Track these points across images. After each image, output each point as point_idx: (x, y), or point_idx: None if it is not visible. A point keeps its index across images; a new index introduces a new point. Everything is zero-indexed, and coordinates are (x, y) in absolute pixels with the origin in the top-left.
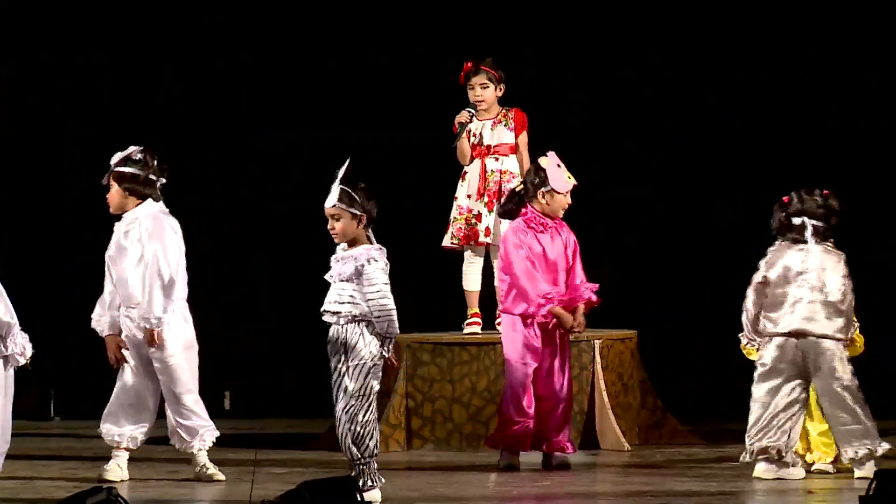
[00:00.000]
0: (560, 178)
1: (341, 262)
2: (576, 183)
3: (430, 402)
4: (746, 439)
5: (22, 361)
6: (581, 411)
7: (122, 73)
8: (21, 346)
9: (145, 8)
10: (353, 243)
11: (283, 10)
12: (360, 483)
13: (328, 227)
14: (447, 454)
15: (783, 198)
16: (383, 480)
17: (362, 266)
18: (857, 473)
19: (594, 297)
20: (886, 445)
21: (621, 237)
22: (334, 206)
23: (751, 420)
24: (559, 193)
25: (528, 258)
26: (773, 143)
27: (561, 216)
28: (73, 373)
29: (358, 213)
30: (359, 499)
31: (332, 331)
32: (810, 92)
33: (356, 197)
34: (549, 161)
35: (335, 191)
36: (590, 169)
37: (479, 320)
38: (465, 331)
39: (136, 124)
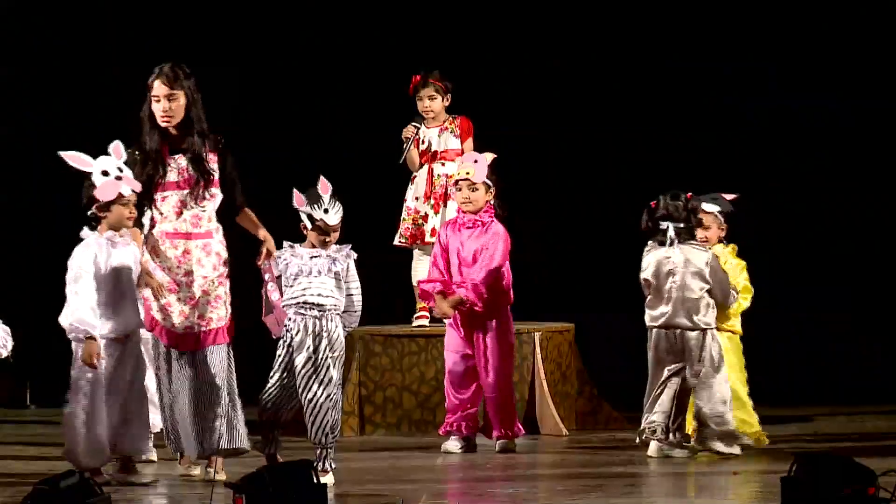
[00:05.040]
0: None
1: (313, 259)
2: (463, 177)
3: (382, 390)
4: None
5: (4, 353)
6: (522, 399)
7: (122, 73)
8: (2, 338)
9: (143, 8)
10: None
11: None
12: (320, 466)
13: (329, 238)
14: (397, 438)
15: (651, 202)
16: (336, 466)
17: (347, 263)
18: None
19: (468, 296)
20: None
21: (562, 234)
22: (340, 221)
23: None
24: (454, 188)
25: (434, 251)
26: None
27: (469, 209)
28: (49, 362)
29: None
30: (315, 480)
31: (309, 322)
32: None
33: None
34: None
35: (339, 208)
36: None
37: (426, 314)
38: (414, 324)
39: (136, 124)
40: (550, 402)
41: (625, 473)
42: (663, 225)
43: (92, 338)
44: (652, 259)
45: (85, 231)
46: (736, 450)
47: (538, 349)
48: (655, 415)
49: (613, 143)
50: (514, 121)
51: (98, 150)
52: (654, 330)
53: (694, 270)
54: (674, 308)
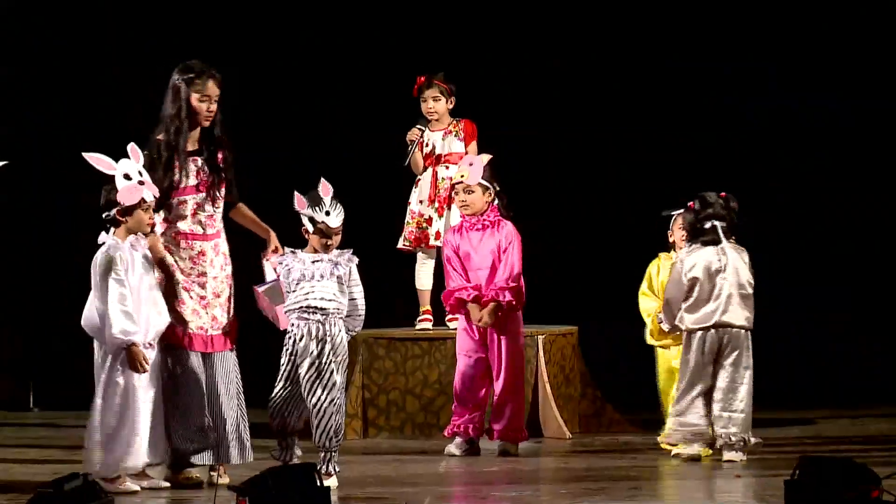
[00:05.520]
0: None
1: (315, 263)
2: (458, 180)
3: (385, 393)
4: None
5: None
6: (526, 401)
7: (122, 73)
8: None
9: (143, 8)
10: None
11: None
12: (324, 469)
13: (331, 241)
14: (401, 442)
15: (689, 203)
16: (339, 469)
17: (349, 268)
18: (726, 456)
19: (502, 298)
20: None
21: (562, 234)
22: (342, 223)
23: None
24: (453, 192)
25: (448, 257)
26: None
27: (467, 212)
28: (51, 364)
29: None
30: (319, 484)
31: (312, 326)
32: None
33: None
34: None
35: (341, 210)
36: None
37: (430, 317)
38: (418, 327)
39: (136, 124)
40: (554, 405)
41: (628, 476)
42: (708, 224)
43: (135, 344)
44: (700, 258)
45: (103, 236)
46: (743, 456)
47: (541, 352)
48: (693, 416)
49: (613, 143)
50: (514, 121)
51: (97, 150)
52: (698, 333)
53: (742, 268)
54: (726, 306)
